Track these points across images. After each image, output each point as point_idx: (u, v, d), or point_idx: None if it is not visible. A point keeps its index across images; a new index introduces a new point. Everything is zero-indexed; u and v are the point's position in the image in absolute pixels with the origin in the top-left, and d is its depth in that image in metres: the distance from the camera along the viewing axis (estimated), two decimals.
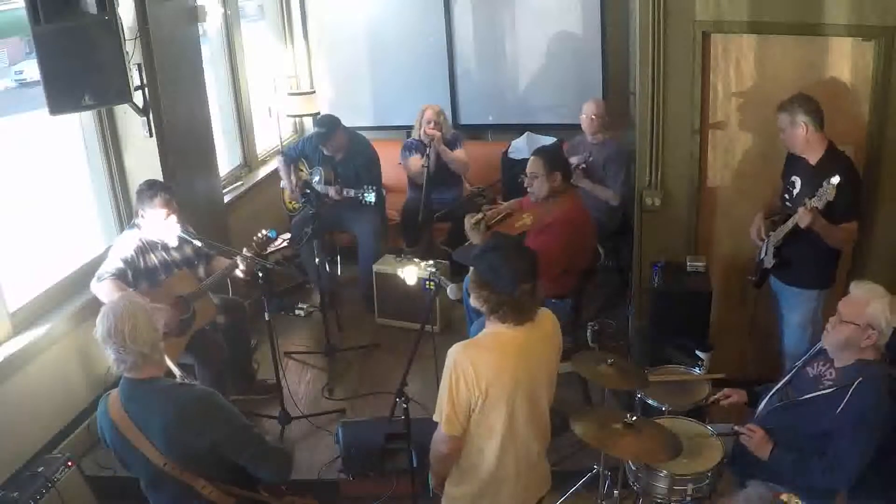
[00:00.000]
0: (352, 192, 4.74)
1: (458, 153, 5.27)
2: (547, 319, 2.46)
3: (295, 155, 5.23)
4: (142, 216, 3.58)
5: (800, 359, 2.81)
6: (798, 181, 3.37)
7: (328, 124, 4.99)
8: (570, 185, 3.90)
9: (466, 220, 3.85)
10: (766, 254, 3.48)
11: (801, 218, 3.11)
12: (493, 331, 2.36)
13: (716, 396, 2.99)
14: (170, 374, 2.73)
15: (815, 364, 2.71)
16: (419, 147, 5.26)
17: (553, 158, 3.76)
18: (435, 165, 5.10)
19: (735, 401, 2.94)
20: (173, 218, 3.58)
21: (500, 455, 2.36)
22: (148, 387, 2.34)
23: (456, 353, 2.30)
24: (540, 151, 3.90)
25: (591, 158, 4.82)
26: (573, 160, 4.81)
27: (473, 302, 2.37)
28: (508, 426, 2.33)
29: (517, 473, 2.41)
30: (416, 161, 5.25)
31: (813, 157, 3.29)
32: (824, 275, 3.41)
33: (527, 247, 2.54)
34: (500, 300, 2.29)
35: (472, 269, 2.38)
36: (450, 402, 2.28)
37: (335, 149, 5.02)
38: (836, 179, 2.99)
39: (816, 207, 3.06)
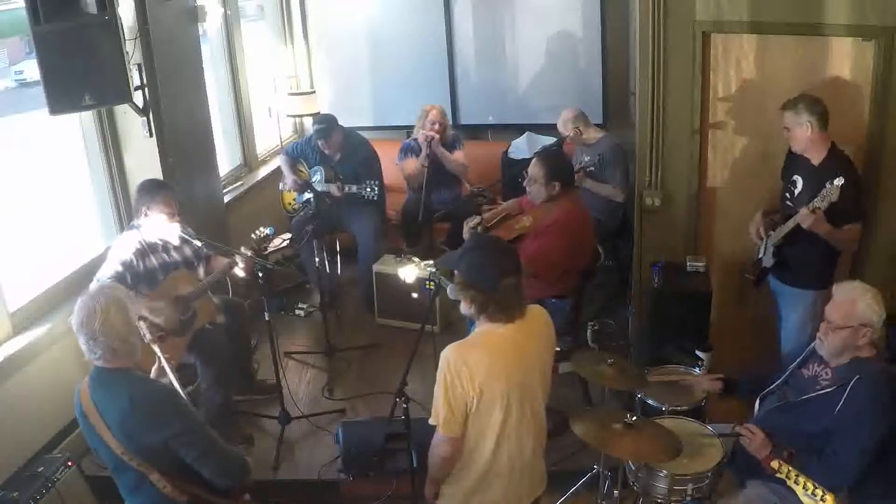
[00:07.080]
0: (354, 188, 4.74)
1: (457, 155, 5.26)
2: (538, 315, 2.45)
3: (295, 155, 5.24)
4: (143, 215, 3.58)
5: (796, 358, 2.81)
6: (800, 181, 3.37)
7: (327, 121, 5.02)
8: (569, 188, 3.88)
9: (465, 225, 3.82)
10: (764, 253, 3.48)
11: (804, 219, 3.12)
12: (484, 330, 2.36)
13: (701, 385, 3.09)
14: (161, 372, 2.77)
15: (811, 365, 2.71)
16: (417, 149, 5.25)
17: (555, 168, 3.65)
18: (433, 166, 5.10)
19: (709, 387, 3.04)
20: (174, 218, 3.58)
21: (494, 452, 2.36)
22: (113, 377, 2.38)
23: (448, 354, 2.30)
24: (543, 157, 3.78)
25: (599, 159, 4.81)
26: (585, 159, 4.82)
27: (463, 307, 2.37)
28: (503, 424, 2.33)
29: (510, 470, 2.41)
30: (411, 164, 5.24)
31: (816, 158, 3.29)
32: (823, 276, 3.40)
33: (507, 242, 2.53)
34: (486, 299, 2.30)
35: (456, 272, 2.38)
36: (446, 404, 2.28)
37: (333, 148, 5.02)
38: (839, 181, 3.00)
39: (819, 208, 3.06)
